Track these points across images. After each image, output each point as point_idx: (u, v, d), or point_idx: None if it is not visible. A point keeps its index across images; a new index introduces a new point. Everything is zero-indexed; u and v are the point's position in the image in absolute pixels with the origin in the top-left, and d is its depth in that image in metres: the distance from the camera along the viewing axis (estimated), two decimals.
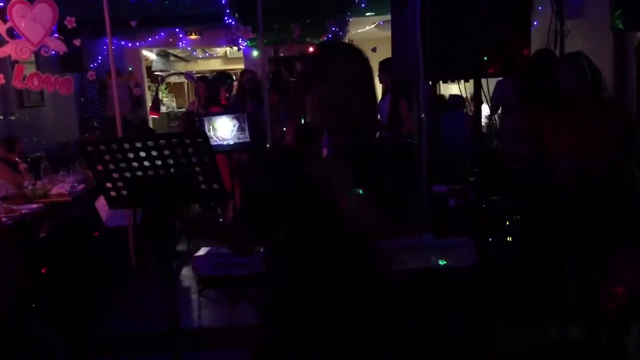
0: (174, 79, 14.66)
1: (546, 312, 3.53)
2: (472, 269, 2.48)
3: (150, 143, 2.27)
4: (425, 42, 3.23)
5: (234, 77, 8.87)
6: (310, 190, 1.64)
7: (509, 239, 3.26)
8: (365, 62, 1.71)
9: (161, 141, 2.27)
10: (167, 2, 7.40)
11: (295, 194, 1.70)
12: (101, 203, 4.79)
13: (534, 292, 3.45)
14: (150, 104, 7.36)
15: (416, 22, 3.31)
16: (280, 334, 1.75)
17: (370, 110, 1.70)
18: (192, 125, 4.90)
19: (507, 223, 3.32)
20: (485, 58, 2.94)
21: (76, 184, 5.33)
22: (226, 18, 7.63)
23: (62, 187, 5.25)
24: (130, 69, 10.15)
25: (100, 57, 9.12)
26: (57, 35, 4.70)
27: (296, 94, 1.71)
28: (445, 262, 2.47)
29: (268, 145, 4.71)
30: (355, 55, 1.69)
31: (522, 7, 3.01)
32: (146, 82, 11.44)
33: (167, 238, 2.57)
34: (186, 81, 14.78)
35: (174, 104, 13.42)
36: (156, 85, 12.77)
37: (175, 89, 14.48)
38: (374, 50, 8.32)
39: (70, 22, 4.61)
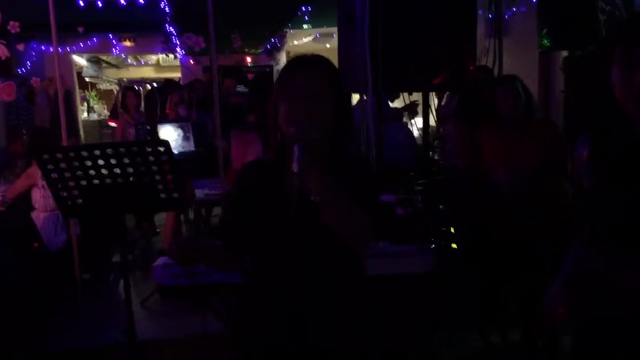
0: (104, 86, 14.28)
1: (487, 318, 3.69)
2: (428, 274, 2.58)
3: (109, 151, 2.23)
4: (374, 56, 3.33)
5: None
6: (280, 204, 1.68)
7: (454, 246, 3.39)
8: (333, 71, 1.74)
9: (120, 149, 2.25)
10: (101, 8, 7.22)
11: (266, 207, 1.72)
12: (37, 220, 4.61)
13: (476, 298, 3.60)
14: (110, 112, 7.16)
15: (365, 37, 3.41)
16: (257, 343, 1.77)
17: (345, 118, 1.74)
18: (154, 134, 4.80)
19: (452, 231, 3.45)
20: (434, 73, 3.06)
21: (5, 194, 5.10)
22: (166, 26, 7.54)
23: None
24: (53, 75, 9.79)
25: (29, 62, 8.79)
26: None
27: (270, 108, 1.73)
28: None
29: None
30: (322, 66, 1.71)
31: (468, 24, 3.17)
32: (77, 88, 11.09)
33: (122, 246, 2.51)
34: (116, 88, 14.44)
35: (105, 111, 13.06)
36: (90, 92, 12.42)
37: (105, 96, 14.10)
38: None
39: (14, 27, 4.43)
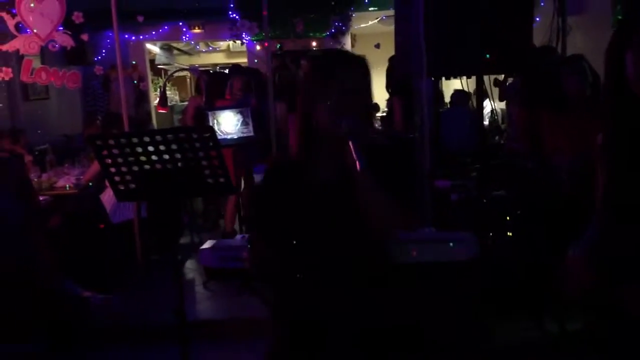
0: (177, 73, 14.70)
1: (544, 306, 3.58)
2: (472, 262, 2.53)
3: (158, 137, 2.31)
4: (429, 39, 3.27)
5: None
6: (320, 200, 1.71)
7: (509, 234, 3.31)
8: (366, 67, 1.78)
9: (169, 135, 2.32)
10: None
11: (302, 205, 1.75)
12: (105, 197, 4.84)
13: (532, 287, 3.50)
14: (158, 99, 7.40)
15: (420, 19, 3.35)
16: (290, 333, 1.81)
17: (372, 112, 1.78)
18: (201, 120, 4.93)
19: (508, 218, 3.36)
20: (488, 55, 2.97)
21: (81, 177, 5.38)
22: (230, 12, 7.67)
23: (67, 179, 5.30)
24: (134, 62, 10.18)
25: (104, 51, 9.16)
26: (62, 29, 4.75)
27: (304, 102, 1.76)
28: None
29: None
30: (359, 63, 1.77)
31: (524, 4, 3.05)
32: (150, 76, 11.48)
33: (173, 231, 2.61)
34: (189, 74, 14.84)
35: (177, 97, 13.46)
36: (163, 79, 12.82)
37: (178, 83, 14.50)
38: (377, 46, 8.37)
39: (78, 17, 4.64)
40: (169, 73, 10.72)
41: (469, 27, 3.14)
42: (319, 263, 1.74)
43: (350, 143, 1.58)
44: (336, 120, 1.64)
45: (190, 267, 5.13)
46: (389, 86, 6.81)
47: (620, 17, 5.18)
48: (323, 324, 1.74)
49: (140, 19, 6.50)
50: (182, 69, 11.76)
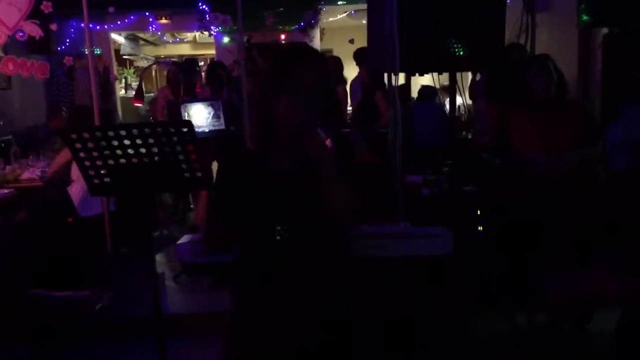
0: (142, 63, 14.47)
1: (513, 300, 3.67)
2: (447, 256, 2.58)
3: (134, 131, 2.29)
4: (402, 35, 3.29)
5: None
6: (278, 191, 1.75)
7: (480, 228, 3.38)
8: (324, 63, 1.81)
9: (146, 129, 2.30)
10: None
11: (266, 192, 1.77)
12: (73, 190, 4.75)
13: (502, 281, 3.58)
14: (135, 93, 7.31)
15: (393, 15, 3.37)
16: (251, 327, 1.84)
17: (330, 107, 1.81)
18: (173, 113, 4.88)
19: (479, 213, 3.43)
20: (461, 52, 3.02)
21: (46, 169, 5.27)
22: (200, 4, 7.58)
23: (32, 172, 5.20)
24: (99, 51, 9.98)
25: (68, 40, 8.96)
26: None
27: (263, 95, 1.78)
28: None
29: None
30: (318, 60, 1.80)
31: (497, 2, 3.10)
32: (115, 66, 11.27)
33: (147, 224, 2.58)
34: (155, 66, 14.61)
35: (144, 89, 13.23)
36: (128, 70, 12.59)
37: (143, 74, 14.25)
38: (351, 42, 8.39)
39: (47, 7, 4.52)
40: (148, 65, 10.54)
41: (442, 23, 3.18)
42: (278, 254, 1.78)
43: (319, 130, 1.66)
44: (297, 117, 1.68)
45: (160, 261, 5.08)
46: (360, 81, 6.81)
47: (584, 16, 5.30)
48: (286, 316, 1.78)
49: (111, 9, 6.37)
50: (159, 62, 11.59)
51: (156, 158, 2.33)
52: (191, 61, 7.10)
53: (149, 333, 2.61)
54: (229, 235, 1.86)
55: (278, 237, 1.77)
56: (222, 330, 1.93)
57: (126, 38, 12.17)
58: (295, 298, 1.78)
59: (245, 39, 8.75)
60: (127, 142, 2.30)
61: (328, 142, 1.63)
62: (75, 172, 4.81)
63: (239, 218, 1.81)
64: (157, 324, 2.45)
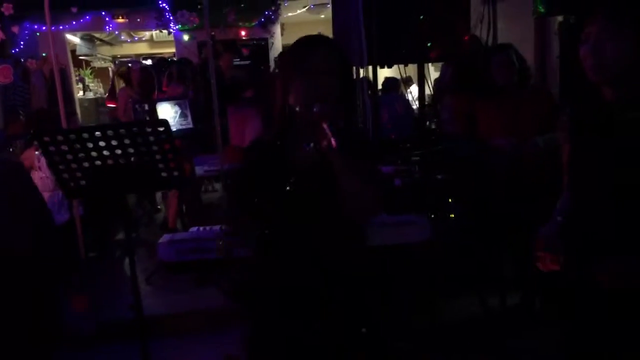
0: (98, 64, 14.19)
1: (486, 283, 3.77)
2: (425, 243, 2.64)
3: (110, 132, 2.27)
4: (369, 28, 3.34)
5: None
6: (299, 178, 1.75)
7: (452, 215, 3.45)
8: (340, 49, 1.82)
9: (121, 130, 2.28)
10: None
11: (283, 183, 1.77)
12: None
13: (475, 265, 3.68)
14: (107, 94, 7.17)
15: (359, 8, 3.41)
16: (271, 317, 1.83)
17: (350, 93, 1.82)
18: (153, 115, 4.81)
19: (450, 200, 3.51)
20: (429, 44, 3.08)
21: None
22: (159, 2, 7.48)
23: None
24: (44, 54, 9.73)
25: (22, 42, 8.74)
26: None
27: (278, 85, 1.78)
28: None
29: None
30: (331, 45, 1.82)
31: None
32: (72, 67, 11.03)
33: (127, 225, 2.57)
34: (111, 65, 14.34)
35: (101, 90, 13.00)
36: (84, 70, 12.33)
37: (100, 74, 14.01)
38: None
39: (8, 9, 4.41)
40: (97, 67, 10.32)
41: (409, 16, 3.24)
42: (298, 244, 1.78)
43: (324, 125, 1.60)
44: (307, 103, 1.67)
45: (127, 263, 5.02)
46: None
47: (540, 6, 5.43)
48: (311, 293, 1.77)
49: (74, 9, 6.24)
50: (134, 61, 11.34)
51: (132, 158, 2.32)
52: (162, 60, 7.02)
53: (128, 336, 2.59)
54: (250, 225, 1.87)
55: (295, 228, 1.77)
56: (197, 329, 1.91)
57: (82, 38, 11.91)
58: (315, 291, 1.77)
59: (212, 35, 8.72)
60: (102, 143, 2.28)
61: (332, 142, 1.61)
62: (37, 179, 4.71)
63: (258, 209, 1.81)
64: (139, 327, 2.43)
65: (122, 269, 4.93)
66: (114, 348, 3.46)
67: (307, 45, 1.79)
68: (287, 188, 1.75)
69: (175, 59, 8.19)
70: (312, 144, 1.69)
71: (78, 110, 9.95)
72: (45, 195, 4.68)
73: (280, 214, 1.79)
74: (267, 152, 1.84)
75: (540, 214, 3.44)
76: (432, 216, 3.16)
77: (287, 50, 1.88)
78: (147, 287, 4.45)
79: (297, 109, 1.73)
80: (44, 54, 9.53)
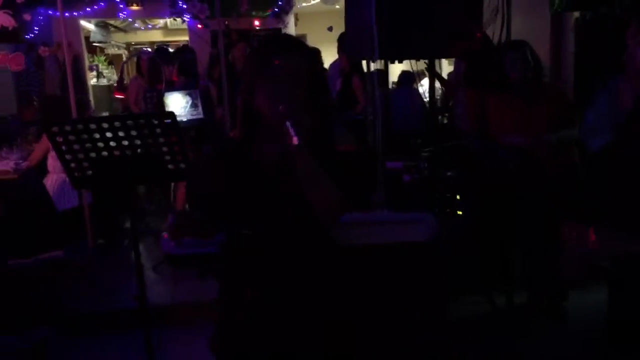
0: (112, 51, 14.23)
1: (493, 281, 3.75)
2: (432, 242, 2.62)
3: (117, 123, 2.27)
4: (381, 22, 3.30)
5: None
6: (264, 179, 1.73)
7: (459, 213, 3.43)
8: (308, 53, 1.79)
9: (128, 122, 2.28)
10: None
11: (249, 183, 1.76)
12: (48, 184, 4.69)
13: (483, 263, 3.65)
14: (115, 84, 7.18)
15: (372, 2, 3.37)
16: (239, 314, 1.82)
17: (320, 96, 1.78)
18: (161, 106, 4.82)
19: (458, 198, 3.48)
20: (439, 39, 3.04)
21: (20, 161, 5.17)
22: None
23: (6, 164, 5.09)
24: (57, 42, 9.76)
25: (36, 28, 8.77)
26: None
27: (244, 85, 1.76)
28: None
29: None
30: (300, 48, 1.77)
31: None
32: (86, 54, 11.06)
33: (132, 215, 2.57)
34: (126, 53, 14.38)
35: (115, 77, 13.04)
36: (98, 57, 12.37)
37: (115, 61, 14.05)
38: (329, 29, 8.38)
39: None
40: (129, 55, 10.31)
41: (420, 10, 3.19)
42: (264, 246, 1.77)
43: (287, 123, 1.60)
44: (273, 106, 1.65)
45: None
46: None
47: (557, 2, 5.37)
48: (276, 296, 1.77)
49: None
50: (142, 52, 11.34)
51: (139, 150, 2.32)
52: (163, 49, 7.00)
53: (133, 325, 2.61)
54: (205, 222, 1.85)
55: (258, 230, 1.76)
56: (204, 320, 1.91)
57: (96, 25, 11.95)
58: (286, 292, 1.77)
59: (225, 23, 8.70)
60: (109, 134, 2.28)
61: (294, 139, 1.60)
62: (51, 163, 4.74)
63: (221, 208, 1.79)
64: (142, 315, 2.44)
65: (130, 257, 4.96)
66: (118, 337, 3.49)
67: (274, 48, 1.75)
68: (251, 190, 1.74)
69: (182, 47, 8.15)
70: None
71: (91, 98, 9.98)
72: (57, 176, 4.70)
73: (244, 215, 1.77)
74: (231, 151, 1.83)
75: (552, 211, 3.44)
76: (439, 213, 3.13)
77: (253, 50, 1.83)
78: (154, 275, 4.48)
79: (262, 109, 1.71)
80: (57, 42, 9.58)
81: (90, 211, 4.63)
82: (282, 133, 1.61)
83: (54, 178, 4.66)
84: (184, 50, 6.76)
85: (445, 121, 5.93)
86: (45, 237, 4.23)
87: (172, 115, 2.26)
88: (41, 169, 4.85)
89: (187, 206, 5.48)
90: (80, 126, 2.27)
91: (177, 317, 3.67)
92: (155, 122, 2.26)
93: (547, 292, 3.69)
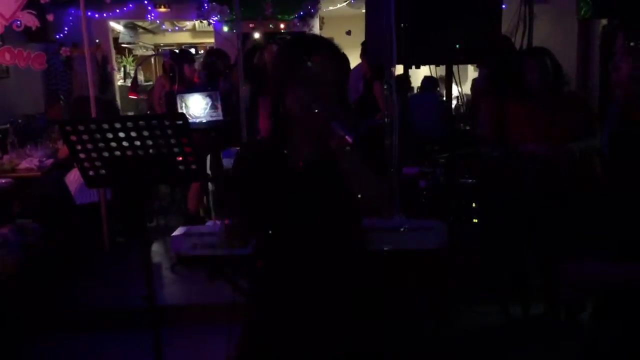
0: (141, 52, 14.40)
1: (509, 291, 3.69)
2: (442, 250, 2.58)
3: (129, 124, 2.29)
4: (400, 28, 3.30)
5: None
6: (298, 180, 1.71)
7: (475, 220, 3.38)
8: (340, 55, 1.75)
9: (140, 122, 2.30)
10: None
11: (282, 184, 1.73)
12: (71, 178, 4.76)
13: (498, 272, 3.60)
14: (130, 84, 7.29)
15: (391, 8, 3.37)
16: (269, 320, 1.80)
17: (344, 99, 1.75)
18: (169, 104, 4.86)
19: (474, 205, 3.44)
20: (457, 45, 3.02)
21: (44, 159, 5.26)
22: None
23: (30, 161, 5.19)
24: (97, 41, 9.92)
25: (66, 28, 8.91)
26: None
27: (274, 87, 1.73)
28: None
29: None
30: (333, 51, 1.73)
31: None
32: (114, 55, 11.21)
33: (140, 214, 2.59)
34: (154, 54, 14.54)
35: (142, 77, 13.20)
36: (127, 58, 12.55)
37: (140, 65, 14.20)
38: (348, 33, 8.37)
39: None
40: (139, 55, 10.44)
41: (439, 16, 3.18)
42: (300, 248, 1.74)
43: (334, 123, 1.56)
44: (307, 109, 1.61)
45: (157, 251, 5.09)
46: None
47: (585, 9, 5.28)
48: (305, 308, 1.74)
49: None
50: (154, 54, 11.50)
51: (151, 151, 2.34)
52: (185, 51, 7.07)
53: (146, 324, 2.62)
54: (244, 229, 1.83)
55: (293, 233, 1.73)
56: (218, 321, 1.90)
57: (125, 26, 12.11)
58: (319, 297, 1.73)
59: (250, 27, 8.72)
60: (122, 134, 2.31)
61: (347, 138, 1.57)
62: None
63: (253, 211, 1.76)
64: (151, 315, 2.46)
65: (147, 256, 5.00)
66: (128, 334, 3.52)
67: (305, 49, 1.69)
68: (287, 194, 1.71)
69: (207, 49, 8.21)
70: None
71: (117, 98, 10.11)
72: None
73: (276, 218, 1.75)
74: (260, 155, 1.80)
75: (571, 222, 3.38)
76: (454, 220, 3.09)
77: (282, 50, 1.80)
78: (170, 274, 4.51)
79: (294, 112, 1.68)
80: (97, 41, 9.72)
81: (109, 209, 4.68)
82: (321, 134, 1.58)
83: (77, 172, 4.73)
84: (212, 52, 6.81)
85: (468, 127, 5.88)
86: (65, 233, 4.30)
87: (183, 116, 2.27)
88: (68, 164, 4.92)
89: (201, 209, 5.53)
90: (93, 126, 2.29)
91: (188, 317, 3.69)
92: (167, 123, 2.27)
93: (564, 304, 3.61)
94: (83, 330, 3.75)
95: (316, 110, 1.59)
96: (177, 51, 7.01)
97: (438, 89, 6.64)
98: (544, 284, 3.69)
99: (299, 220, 1.72)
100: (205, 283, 4.03)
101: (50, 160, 5.25)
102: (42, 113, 7.81)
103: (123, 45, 12.58)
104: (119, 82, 11.54)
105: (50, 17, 4.95)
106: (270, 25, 8.98)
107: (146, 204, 2.92)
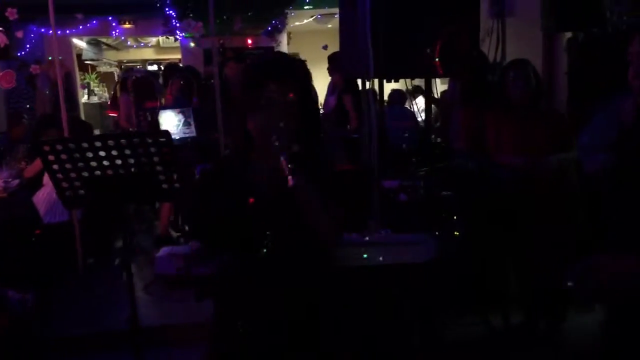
0: (104, 68, 14.21)
1: (489, 302, 3.70)
2: (429, 264, 2.58)
3: (110, 142, 2.22)
4: (376, 41, 3.30)
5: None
6: (260, 197, 1.71)
7: (456, 233, 3.39)
8: (298, 78, 1.75)
9: (122, 140, 2.23)
10: None
11: (245, 200, 1.73)
12: (39, 197, 4.62)
13: (478, 283, 3.61)
14: (109, 102, 7.17)
15: (367, 21, 3.37)
16: (231, 337, 1.79)
17: (310, 120, 1.77)
18: (155, 124, 4.77)
19: (455, 218, 3.45)
20: (437, 59, 3.03)
21: (10, 180, 5.10)
22: (166, 9, 7.49)
23: None
24: (60, 57, 9.72)
25: (28, 45, 8.73)
26: None
27: (239, 107, 1.76)
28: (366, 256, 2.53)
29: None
30: (289, 75, 1.74)
31: (470, 8, 3.12)
32: (77, 71, 11.03)
33: (123, 234, 2.52)
34: (117, 70, 14.36)
35: (106, 95, 13.01)
36: (90, 75, 12.35)
37: (106, 78, 14.03)
38: (324, 47, 8.42)
39: (12, 14, 4.38)
40: (126, 75, 10.29)
41: (416, 29, 3.20)
42: (257, 269, 1.75)
43: (282, 159, 1.59)
44: (265, 135, 1.65)
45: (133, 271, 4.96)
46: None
47: (549, 23, 5.38)
48: (263, 327, 1.74)
49: (80, 16, 6.26)
50: (137, 70, 11.31)
51: (133, 169, 2.27)
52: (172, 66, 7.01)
53: (124, 346, 2.54)
54: (207, 248, 1.84)
55: (260, 249, 1.73)
56: (195, 341, 1.88)
57: (88, 43, 11.94)
58: (277, 315, 1.74)
59: (220, 42, 8.70)
60: (102, 153, 2.24)
61: (290, 179, 1.59)
62: (47, 176, 4.67)
63: (219, 227, 1.76)
64: (133, 336, 2.38)
65: (121, 277, 4.87)
66: (109, 357, 3.42)
67: (265, 73, 1.72)
68: (247, 209, 1.72)
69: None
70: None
71: (82, 116, 9.93)
72: (54, 190, 4.62)
73: (239, 234, 1.74)
74: (227, 170, 1.82)
75: (549, 234, 3.42)
76: (440, 234, 3.09)
77: (246, 71, 1.83)
78: (145, 296, 4.40)
79: (255, 133, 1.72)
80: (49, 58, 9.53)
81: (81, 228, 4.56)
82: (276, 163, 1.61)
83: (48, 191, 4.59)
84: (179, 68, 6.75)
85: (439, 140, 5.92)
86: (34, 254, 4.16)
87: (167, 134, 2.21)
88: (35, 183, 4.78)
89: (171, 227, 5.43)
90: (72, 145, 2.22)
91: (169, 338, 3.60)
92: (150, 140, 2.21)
93: (544, 313, 3.64)
94: (61, 356, 3.62)
95: (275, 143, 1.62)
96: (181, 65, 6.89)
97: (406, 102, 6.69)
98: (523, 295, 3.72)
99: (255, 240, 1.73)
100: (182, 302, 3.97)
101: (17, 181, 5.08)
102: (4, 133, 7.58)
103: (86, 62, 12.39)
104: (83, 99, 11.33)
105: (19, 34, 4.82)
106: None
107: (123, 222, 2.84)
